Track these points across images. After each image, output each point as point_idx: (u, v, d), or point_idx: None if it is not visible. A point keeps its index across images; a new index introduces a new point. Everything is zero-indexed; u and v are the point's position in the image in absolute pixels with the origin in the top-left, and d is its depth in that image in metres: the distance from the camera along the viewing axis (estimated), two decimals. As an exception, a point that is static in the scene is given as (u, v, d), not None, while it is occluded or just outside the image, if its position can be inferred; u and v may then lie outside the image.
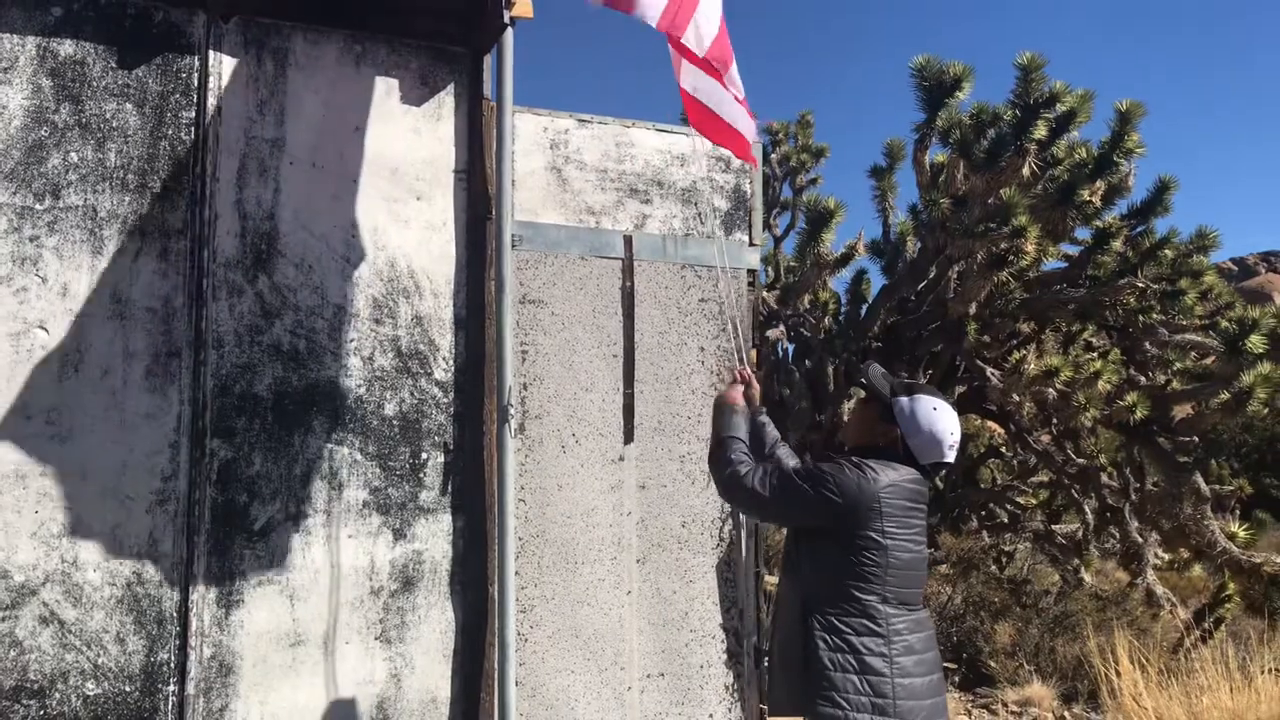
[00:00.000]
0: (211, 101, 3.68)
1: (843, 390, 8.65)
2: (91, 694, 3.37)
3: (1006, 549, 9.59)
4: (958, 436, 2.97)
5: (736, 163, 4.50)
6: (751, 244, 4.51)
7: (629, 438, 4.22)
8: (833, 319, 8.93)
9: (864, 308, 8.76)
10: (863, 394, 3.18)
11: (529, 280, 4.12)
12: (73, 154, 3.51)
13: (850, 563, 2.81)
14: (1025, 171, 7.11)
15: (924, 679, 2.83)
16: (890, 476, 2.86)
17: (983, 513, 9.65)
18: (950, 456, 2.96)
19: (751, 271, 4.51)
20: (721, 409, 3.19)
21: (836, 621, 2.80)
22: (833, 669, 2.77)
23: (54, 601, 3.35)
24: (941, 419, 2.93)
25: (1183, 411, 7.78)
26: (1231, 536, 7.60)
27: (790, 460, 3.32)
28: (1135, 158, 7.41)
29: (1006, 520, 9.49)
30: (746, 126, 3.75)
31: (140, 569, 3.47)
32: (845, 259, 8.04)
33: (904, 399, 2.97)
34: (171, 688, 3.47)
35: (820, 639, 2.79)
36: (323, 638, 3.67)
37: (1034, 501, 9.73)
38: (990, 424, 10.05)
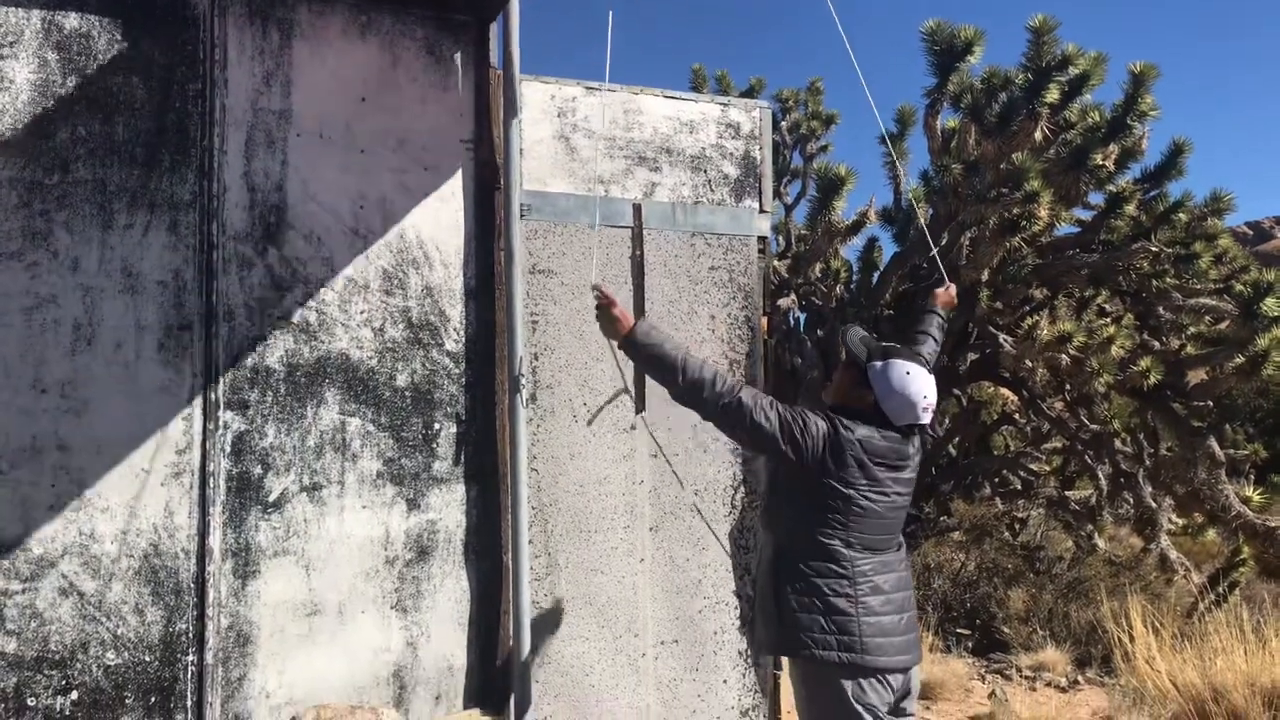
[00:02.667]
0: (218, 73, 3.67)
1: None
2: (112, 664, 3.41)
3: (1020, 516, 9.59)
4: (931, 399, 3.08)
5: (746, 129, 4.47)
6: (762, 211, 4.49)
7: (640, 407, 4.22)
8: (844, 287, 8.90)
9: (875, 275, 8.73)
10: (843, 358, 3.29)
11: (538, 250, 4.11)
12: (80, 128, 3.51)
13: (815, 511, 2.99)
14: (1038, 136, 7.05)
15: (892, 617, 2.98)
16: (862, 432, 3.01)
17: (996, 480, 9.65)
18: (924, 419, 3.08)
19: (762, 239, 4.49)
20: (646, 332, 3.11)
21: (803, 566, 2.99)
22: (799, 610, 2.96)
23: (73, 573, 3.39)
24: (914, 382, 3.05)
25: (1197, 376, 7.75)
26: (1246, 501, 7.59)
27: (720, 377, 3.14)
28: (1149, 120, 7.34)
29: (1020, 487, 9.49)
30: None
31: (157, 541, 3.50)
32: (857, 226, 8.00)
33: (878, 363, 3.09)
34: (190, 657, 3.51)
35: (789, 584, 3.00)
36: (339, 607, 3.70)
37: (1047, 468, 9.73)
38: (1003, 391, 10.02)
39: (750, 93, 10.71)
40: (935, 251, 5.11)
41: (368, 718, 3.08)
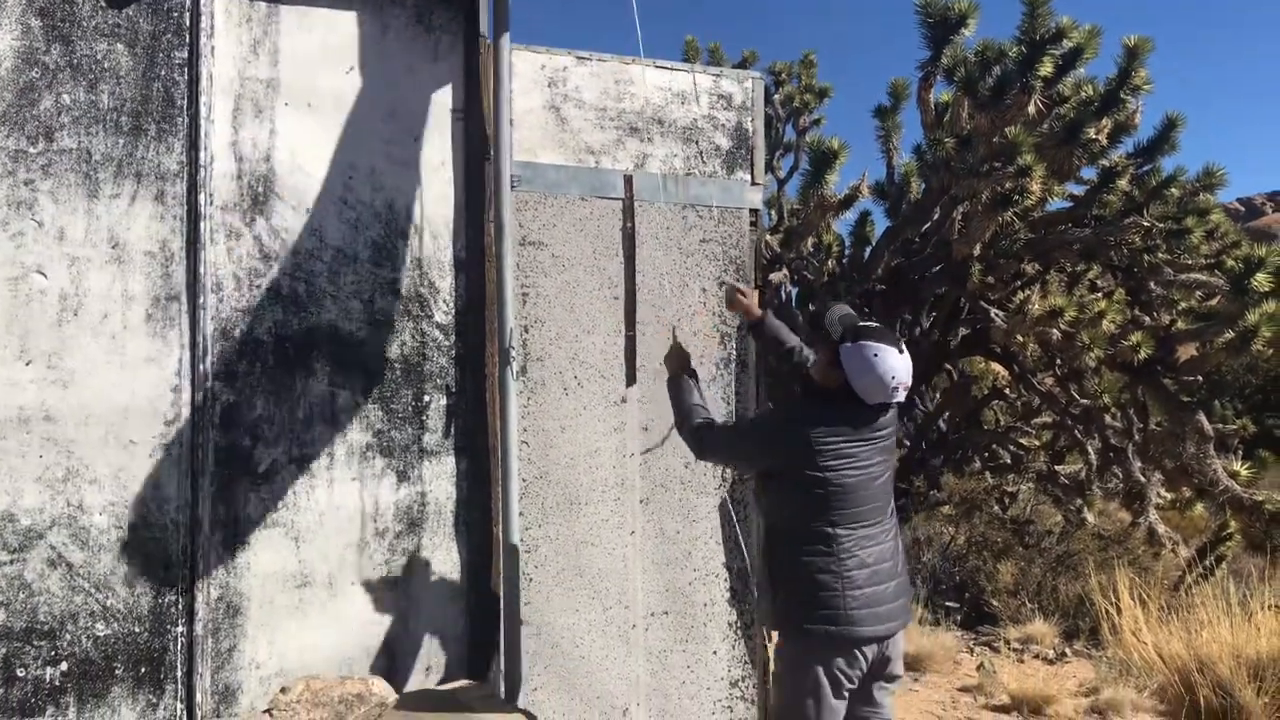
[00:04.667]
0: (204, 41, 3.62)
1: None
2: (101, 635, 3.41)
3: (1009, 490, 9.64)
4: (901, 378, 3.13)
5: (738, 100, 4.44)
6: (754, 183, 4.46)
7: (631, 380, 4.21)
8: (836, 261, 8.89)
9: (868, 250, 8.71)
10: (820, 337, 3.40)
11: (528, 222, 4.08)
12: (65, 96, 3.46)
13: (799, 497, 3.13)
14: (1031, 109, 7.02)
15: (877, 587, 3.12)
16: (824, 416, 3.15)
17: (986, 454, 9.69)
18: (895, 397, 3.16)
19: (754, 211, 4.46)
20: (673, 380, 3.56)
21: (791, 546, 3.15)
22: (788, 586, 3.14)
23: (61, 545, 3.38)
24: (882, 363, 3.10)
25: (1187, 352, 7.76)
26: (1234, 475, 7.63)
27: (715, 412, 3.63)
28: (1143, 95, 7.32)
29: (1009, 461, 9.53)
30: None
31: (145, 512, 3.49)
32: (849, 200, 7.97)
33: (849, 344, 3.14)
34: (180, 629, 3.51)
35: (779, 561, 3.18)
36: (328, 579, 3.70)
37: (1037, 443, 9.76)
38: (994, 365, 10.05)
39: (743, 65, 10.65)
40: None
41: (358, 688, 3.09)
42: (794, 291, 9.27)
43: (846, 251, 9.03)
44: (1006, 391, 9.87)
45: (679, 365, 3.60)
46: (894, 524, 3.27)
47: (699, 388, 3.56)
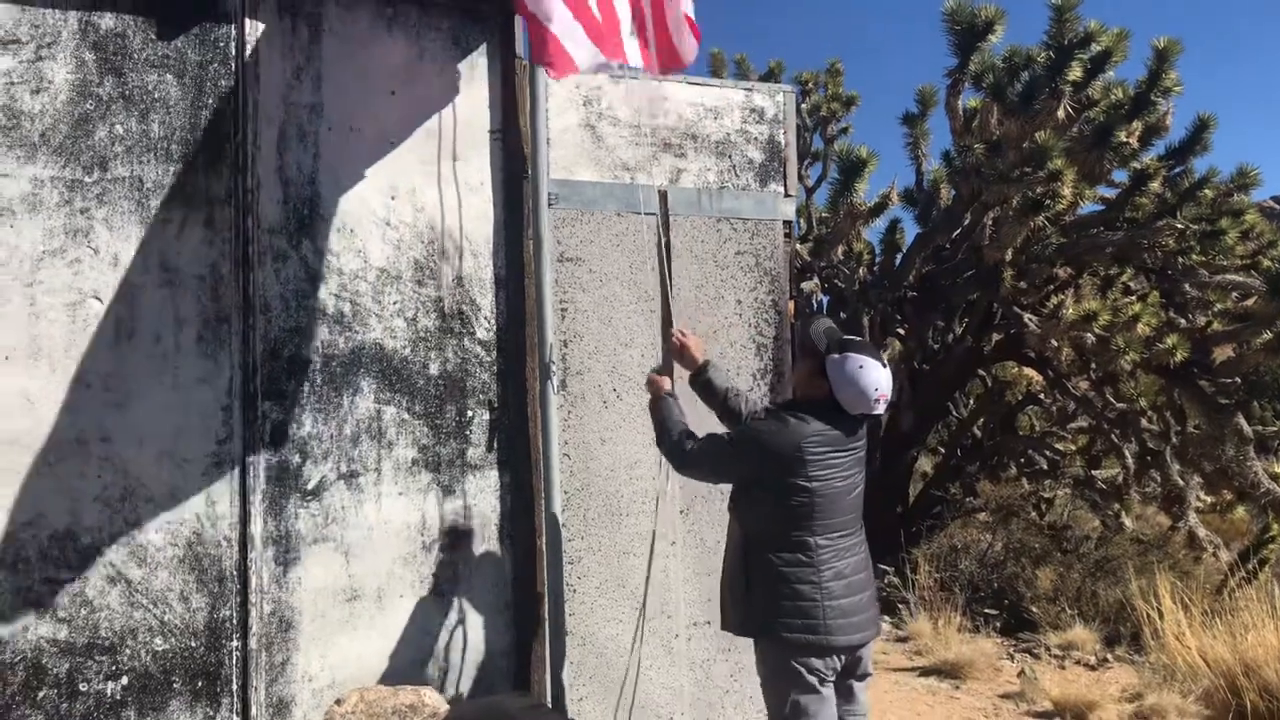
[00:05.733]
0: (249, 69, 3.73)
1: (878, 341, 8.64)
2: (160, 649, 3.50)
3: (1046, 495, 9.59)
4: (884, 391, 3.26)
5: (770, 113, 4.49)
6: (787, 195, 4.51)
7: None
8: (867, 269, 8.91)
9: (898, 257, 8.73)
10: (803, 348, 3.50)
11: (566, 238, 4.15)
12: (118, 126, 3.57)
13: (782, 507, 3.20)
14: (1060, 114, 7.04)
15: (852, 598, 3.23)
16: (815, 426, 3.21)
17: (1021, 460, 9.64)
18: (876, 409, 3.29)
19: (787, 222, 4.51)
20: (655, 401, 3.62)
21: (771, 556, 3.21)
22: (768, 596, 3.19)
23: (120, 562, 3.47)
24: (865, 375, 3.22)
25: (1223, 354, 7.72)
26: (1275, 477, 7.57)
27: (743, 402, 3.65)
28: (1173, 96, 7.31)
29: (1046, 467, 9.48)
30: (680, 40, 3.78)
31: (200, 529, 3.57)
32: (879, 208, 8.00)
33: (835, 355, 3.26)
34: (235, 643, 3.59)
35: (757, 572, 3.23)
36: (378, 592, 3.77)
37: (1073, 448, 9.71)
38: (1027, 371, 10.01)
39: (770, 75, 10.70)
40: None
41: (410, 698, 3.15)
42: (825, 300, 9.30)
43: (877, 259, 9.05)
44: (1041, 397, 9.83)
45: (662, 385, 3.65)
46: (864, 536, 3.39)
47: (679, 405, 3.61)
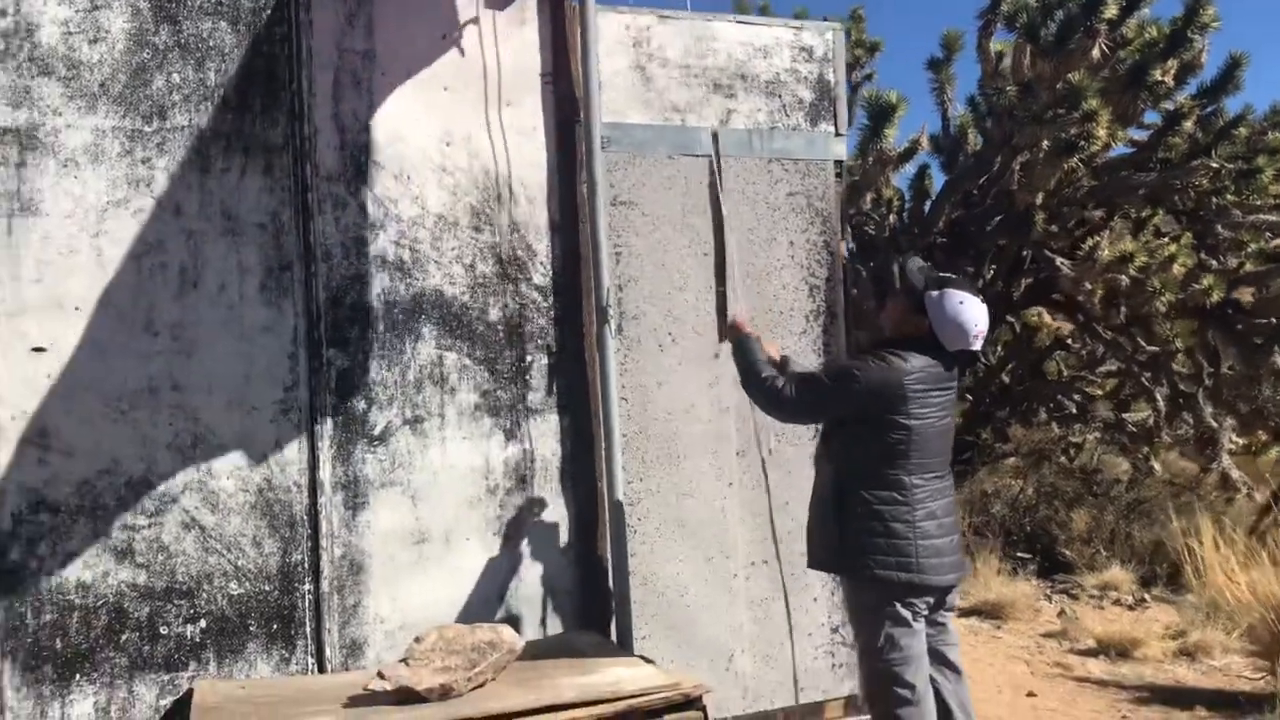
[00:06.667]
0: (302, 16, 3.71)
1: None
2: (235, 594, 3.55)
3: (1075, 440, 9.60)
4: (983, 327, 3.29)
5: (819, 52, 4.46)
6: (838, 134, 4.49)
7: (723, 335, 4.26)
8: (897, 216, 8.87)
9: (928, 204, 8.69)
10: (900, 287, 3.53)
11: (618, 182, 4.14)
12: (175, 75, 3.57)
13: (880, 443, 3.23)
14: (1095, 54, 6.96)
15: (944, 539, 3.27)
16: (915, 363, 3.22)
17: (1051, 405, 9.64)
18: (976, 345, 3.31)
19: (839, 163, 4.50)
20: (737, 343, 3.60)
21: (865, 494, 3.24)
22: (862, 534, 3.22)
23: (193, 508, 3.51)
24: (966, 311, 3.25)
25: (1244, 296, 7.69)
26: (1312, 415, 7.57)
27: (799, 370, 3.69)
28: (1210, 33, 7.22)
29: (1075, 411, 9.49)
30: None
31: (270, 475, 3.61)
32: (909, 154, 7.93)
33: (934, 292, 3.29)
34: (307, 586, 3.64)
35: (852, 510, 3.25)
36: (445, 535, 3.82)
37: (1100, 392, 9.71)
38: (1049, 320, 9.96)
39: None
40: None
41: (487, 635, 3.19)
42: (854, 247, 9.26)
43: (907, 205, 9.00)
44: (1069, 342, 9.81)
45: (742, 326, 3.66)
46: (952, 480, 3.42)
47: (761, 345, 3.60)
